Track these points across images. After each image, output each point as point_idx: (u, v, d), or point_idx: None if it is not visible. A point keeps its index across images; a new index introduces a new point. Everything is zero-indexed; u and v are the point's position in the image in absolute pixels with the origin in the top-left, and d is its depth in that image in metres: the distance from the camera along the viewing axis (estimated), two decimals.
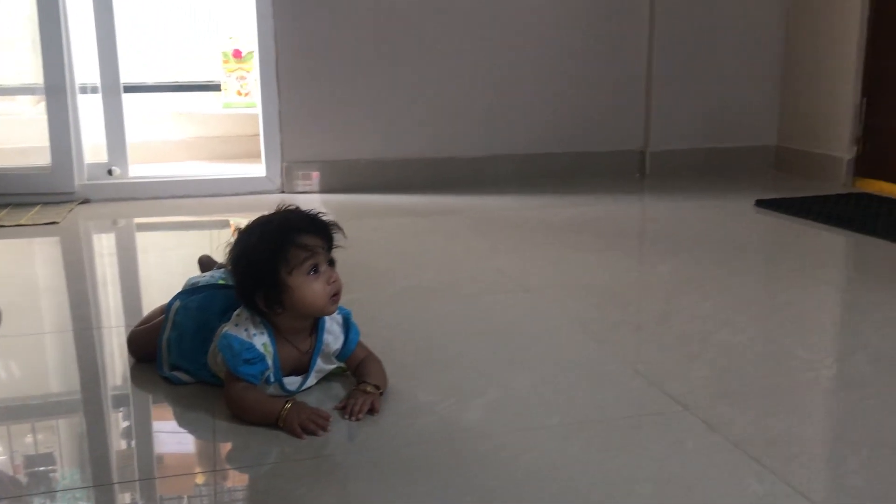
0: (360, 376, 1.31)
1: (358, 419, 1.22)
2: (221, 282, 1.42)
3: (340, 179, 3.17)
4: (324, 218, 1.28)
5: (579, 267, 2.11)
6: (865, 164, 3.09)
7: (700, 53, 3.41)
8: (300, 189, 3.16)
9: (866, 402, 1.31)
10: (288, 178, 3.15)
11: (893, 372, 1.42)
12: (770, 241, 2.48)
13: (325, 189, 3.16)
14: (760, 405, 1.29)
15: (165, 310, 1.42)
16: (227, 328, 1.25)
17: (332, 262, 1.28)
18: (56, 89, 2.94)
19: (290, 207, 1.31)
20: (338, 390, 1.33)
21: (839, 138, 3.16)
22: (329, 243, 1.27)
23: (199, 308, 1.37)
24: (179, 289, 1.47)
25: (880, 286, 1.95)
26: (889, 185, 2.98)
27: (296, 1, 3.05)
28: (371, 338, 1.41)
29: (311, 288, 1.23)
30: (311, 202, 2.99)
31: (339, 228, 1.28)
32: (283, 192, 3.14)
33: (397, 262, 2.18)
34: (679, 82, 3.41)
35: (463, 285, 1.96)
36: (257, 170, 3.19)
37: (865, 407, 1.29)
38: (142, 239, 2.72)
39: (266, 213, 1.30)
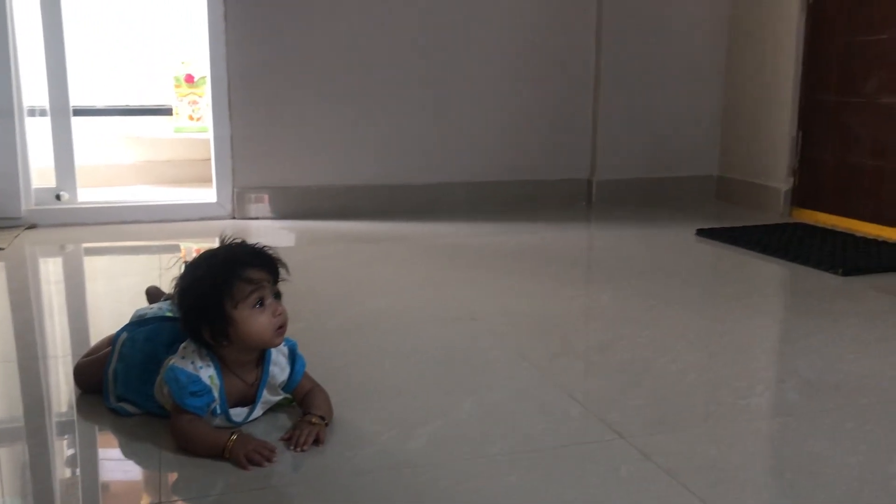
0: (305, 407, 1.34)
1: (303, 450, 1.25)
2: (169, 314, 1.43)
3: (292, 206, 3.19)
4: (269, 252, 1.31)
5: (525, 295, 2.16)
6: (801, 195, 3.22)
7: (645, 86, 3.52)
8: (252, 215, 3.17)
9: (791, 429, 1.37)
10: (239, 203, 3.16)
11: (817, 399, 1.49)
12: (709, 270, 2.56)
13: (277, 215, 3.18)
14: (693, 433, 1.35)
15: (112, 341, 1.43)
16: (174, 361, 1.27)
17: (277, 295, 1.30)
18: (3, 112, 2.92)
19: (235, 241, 1.33)
20: (284, 421, 1.35)
21: (777, 170, 3.29)
22: (275, 276, 1.29)
23: (146, 340, 1.38)
24: (128, 318, 1.48)
25: (811, 315, 2.04)
26: (823, 216, 3.10)
27: (248, 27, 3.08)
28: (318, 368, 1.43)
29: (256, 321, 1.25)
30: (263, 228, 3.00)
31: (284, 264, 1.30)
32: (234, 217, 3.15)
33: (347, 289, 2.21)
34: (624, 113, 3.52)
35: (411, 313, 1.99)
36: (208, 195, 3.19)
37: (790, 434, 1.36)
38: (90, 266, 2.70)
39: (213, 245, 1.32)
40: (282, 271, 1.31)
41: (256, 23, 3.08)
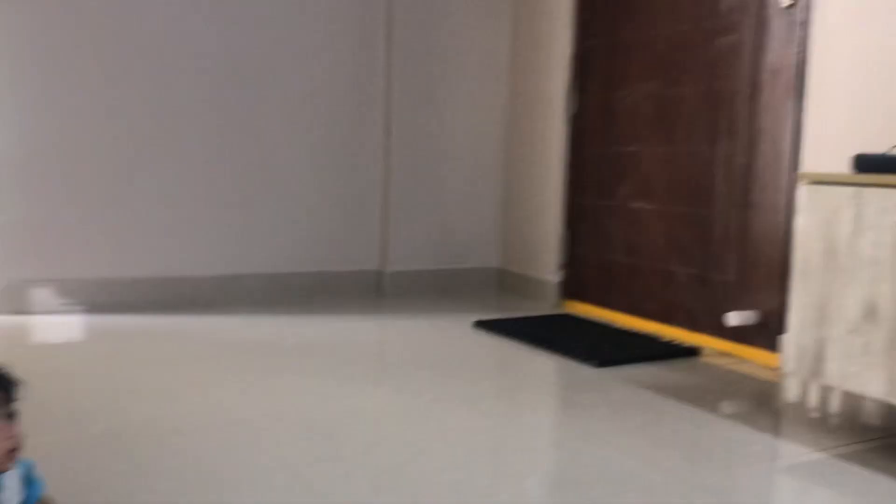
0: None
1: None
2: None
3: (66, 300, 3.04)
4: (2, 371, 1.26)
5: (301, 394, 2.18)
6: (570, 288, 3.50)
7: (432, 183, 3.72)
8: (20, 310, 2.97)
9: None
10: (6, 298, 2.96)
11: (559, 495, 1.61)
12: (480, 364, 2.70)
13: (48, 310, 3.01)
14: None
15: None
16: None
17: (11, 416, 1.25)
18: None
19: None
20: None
21: (548, 264, 3.57)
22: (8, 396, 1.24)
23: None
24: None
25: (565, 408, 2.20)
26: (588, 307, 3.38)
27: (18, 107, 2.96)
28: (63, 485, 1.37)
29: None
30: (30, 324, 2.83)
31: (19, 383, 1.26)
32: None
33: (111, 394, 2.13)
34: (413, 207, 3.69)
35: (175, 422, 1.95)
36: None
37: None
38: None
39: None
40: (17, 390, 1.26)
41: (23, 101, 2.97)
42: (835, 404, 2.27)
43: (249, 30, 3.33)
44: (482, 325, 3.03)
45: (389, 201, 3.65)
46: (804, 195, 1.95)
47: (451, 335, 2.95)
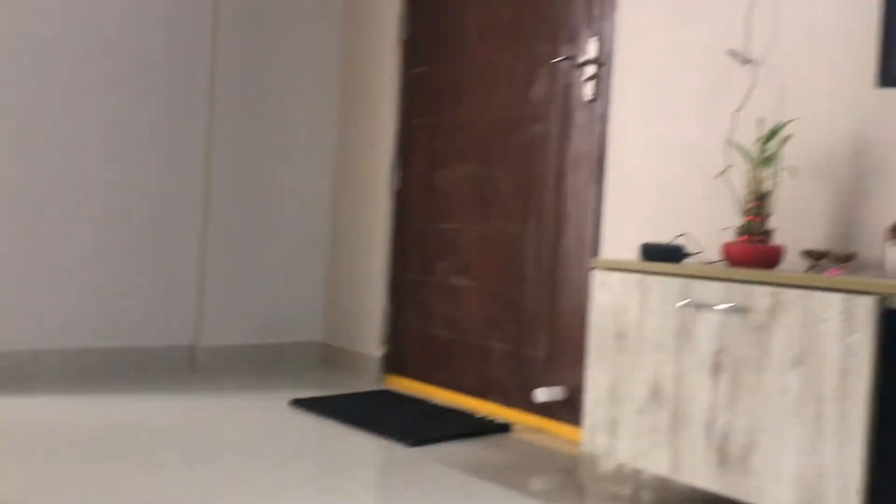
0: None
1: None
2: None
3: None
4: None
5: (97, 485, 2.02)
6: (393, 363, 3.50)
7: (253, 253, 3.64)
8: None
9: None
10: None
11: None
12: (292, 446, 2.62)
13: None
14: None
15: None
16: None
17: None
18: None
19: None
20: None
21: (371, 338, 3.56)
22: None
23: None
24: None
25: (376, 494, 2.17)
26: (410, 382, 3.39)
27: None
28: None
29: None
30: None
31: None
32: None
33: None
34: (232, 279, 3.59)
35: None
36: None
37: None
38: None
39: None
40: None
41: None
42: (635, 480, 2.37)
43: (60, 89, 3.17)
44: (299, 403, 2.96)
45: (206, 272, 3.53)
46: (598, 280, 2.06)
47: (266, 415, 2.86)
